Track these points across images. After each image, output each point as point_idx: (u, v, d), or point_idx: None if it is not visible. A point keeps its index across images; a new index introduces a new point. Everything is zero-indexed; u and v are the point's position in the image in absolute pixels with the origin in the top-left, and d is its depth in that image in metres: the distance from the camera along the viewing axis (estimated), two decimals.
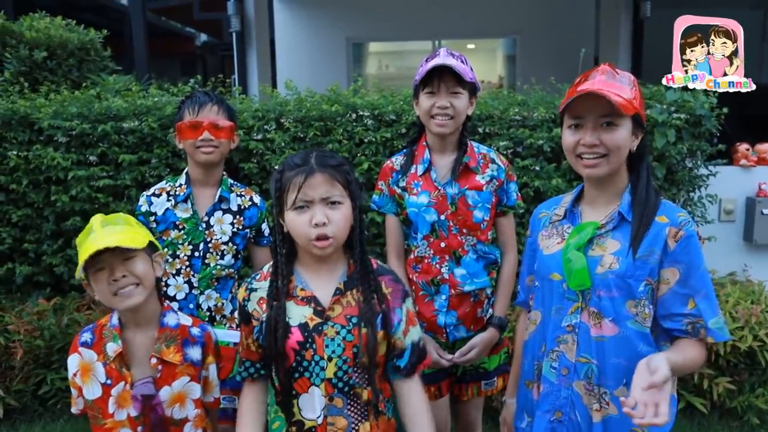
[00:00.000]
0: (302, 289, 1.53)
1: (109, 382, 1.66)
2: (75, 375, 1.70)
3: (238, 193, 2.28)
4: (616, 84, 1.51)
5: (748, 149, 4.23)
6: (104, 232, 1.61)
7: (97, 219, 1.66)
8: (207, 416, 1.78)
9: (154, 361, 1.66)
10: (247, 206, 2.27)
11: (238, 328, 2.07)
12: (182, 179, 2.25)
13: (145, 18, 5.88)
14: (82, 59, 4.42)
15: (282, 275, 1.53)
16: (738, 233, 4.20)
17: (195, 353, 1.72)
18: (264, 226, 2.32)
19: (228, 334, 2.09)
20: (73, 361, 1.70)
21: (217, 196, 2.22)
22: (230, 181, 2.30)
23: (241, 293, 1.59)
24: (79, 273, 1.61)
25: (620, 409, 1.46)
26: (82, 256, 1.58)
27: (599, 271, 1.54)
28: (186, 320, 1.77)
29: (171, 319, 1.73)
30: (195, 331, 1.75)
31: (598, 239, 1.57)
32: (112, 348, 1.66)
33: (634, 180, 1.58)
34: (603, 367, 1.54)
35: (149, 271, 1.66)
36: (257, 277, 1.60)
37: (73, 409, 1.74)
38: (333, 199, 1.48)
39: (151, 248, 1.70)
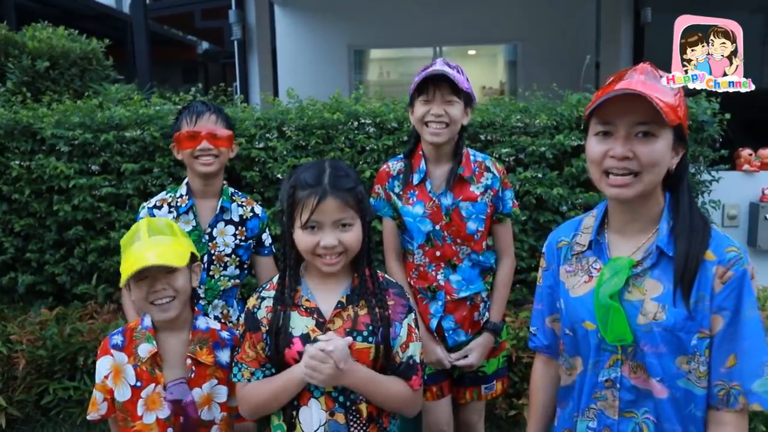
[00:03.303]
0: (307, 300, 1.54)
1: (138, 384, 1.68)
2: (106, 378, 1.71)
3: (240, 203, 2.27)
4: (658, 87, 1.25)
5: (750, 154, 4.22)
6: (151, 242, 1.64)
7: (143, 225, 1.69)
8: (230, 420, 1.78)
9: (189, 361, 1.69)
10: (248, 217, 2.26)
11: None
12: (183, 190, 2.24)
13: (147, 26, 5.90)
14: (85, 69, 4.45)
15: (288, 285, 1.54)
16: (741, 239, 4.19)
17: (224, 356, 1.74)
18: (265, 236, 2.31)
19: None
20: (104, 364, 1.72)
21: (218, 207, 2.21)
22: (231, 190, 2.29)
23: (252, 301, 1.59)
24: (123, 282, 1.63)
25: None
26: (129, 265, 1.60)
27: (641, 321, 1.29)
28: (215, 324, 1.80)
29: (201, 323, 1.76)
30: (224, 334, 1.77)
31: (635, 279, 1.31)
32: (146, 349, 1.68)
33: (673, 204, 1.33)
34: (661, 427, 1.32)
35: (188, 284, 1.70)
36: (266, 287, 1.60)
37: (92, 415, 1.73)
38: (344, 222, 1.48)
39: (191, 258, 1.73)
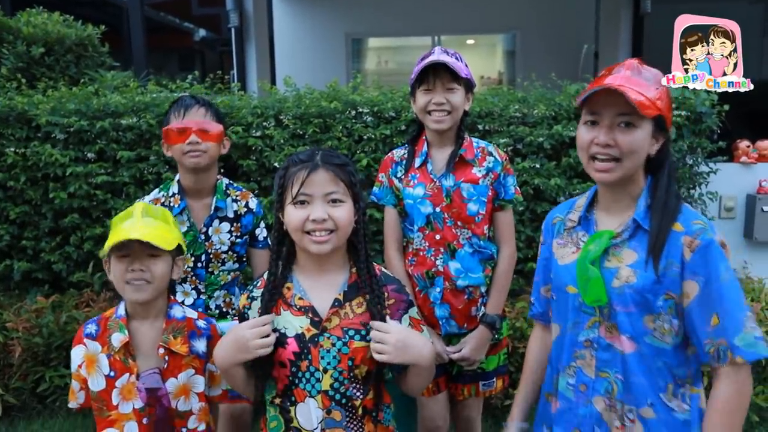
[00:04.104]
0: (300, 299, 1.51)
1: (112, 374, 1.66)
2: (80, 367, 1.70)
3: (234, 197, 2.23)
4: (640, 81, 1.40)
5: (748, 146, 4.22)
6: (143, 222, 1.64)
7: (139, 206, 1.70)
8: (210, 410, 1.77)
9: (161, 351, 1.67)
10: (243, 213, 2.23)
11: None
12: (174, 188, 2.19)
13: (143, 13, 5.85)
14: (80, 55, 4.41)
15: (278, 275, 1.52)
16: (738, 230, 4.19)
17: (201, 345, 1.72)
18: (258, 230, 2.28)
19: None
20: (77, 353, 1.70)
21: (212, 207, 2.18)
22: (225, 183, 2.24)
23: (242, 301, 1.59)
24: (105, 252, 1.63)
25: (646, 428, 1.43)
26: (114, 238, 1.60)
27: (615, 284, 1.44)
28: (191, 313, 1.77)
29: (177, 312, 1.74)
30: (201, 323, 1.76)
31: (614, 249, 1.47)
32: (118, 338, 1.66)
33: (653, 186, 1.47)
34: (628, 383, 1.45)
35: (167, 273, 1.68)
36: (257, 284, 1.58)
37: (72, 404, 1.73)
38: (335, 197, 1.47)
39: (177, 250, 1.72)
